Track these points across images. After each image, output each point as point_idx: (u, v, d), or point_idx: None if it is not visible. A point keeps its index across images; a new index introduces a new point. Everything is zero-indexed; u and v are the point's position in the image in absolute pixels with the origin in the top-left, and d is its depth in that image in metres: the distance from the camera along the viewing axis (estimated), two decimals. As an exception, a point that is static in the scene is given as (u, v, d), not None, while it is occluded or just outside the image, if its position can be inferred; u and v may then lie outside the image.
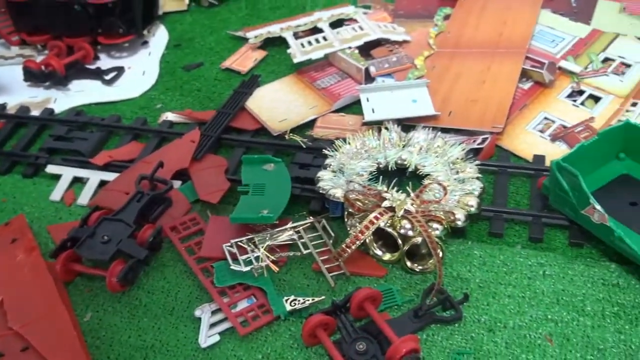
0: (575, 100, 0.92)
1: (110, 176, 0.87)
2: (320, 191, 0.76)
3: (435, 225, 0.70)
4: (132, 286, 0.73)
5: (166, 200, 0.82)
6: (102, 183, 0.87)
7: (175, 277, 0.74)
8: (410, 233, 0.69)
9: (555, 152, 0.84)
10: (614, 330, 0.64)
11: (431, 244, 0.67)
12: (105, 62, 1.13)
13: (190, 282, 0.73)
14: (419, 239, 0.70)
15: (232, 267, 0.71)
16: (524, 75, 0.96)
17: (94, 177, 0.88)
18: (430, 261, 0.71)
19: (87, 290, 0.74)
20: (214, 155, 0.89)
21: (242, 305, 0.70)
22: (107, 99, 1.05)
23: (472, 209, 0.72)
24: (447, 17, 1.11)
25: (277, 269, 0.72)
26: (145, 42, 1.17)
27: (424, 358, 0.63)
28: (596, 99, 0.91)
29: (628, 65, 0.96)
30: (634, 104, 0.89)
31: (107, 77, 1.09)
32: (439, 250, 0.68)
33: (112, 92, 1.06)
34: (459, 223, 0.71)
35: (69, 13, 1.10)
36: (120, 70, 1.10)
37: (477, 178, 0.76)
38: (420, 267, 0.71)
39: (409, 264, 0.71)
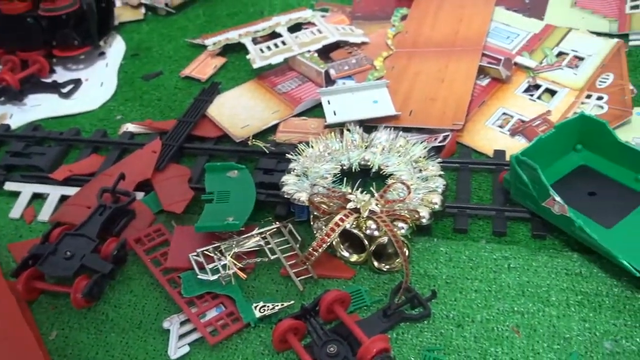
0: (532, 95, 0.94)
1: (71, 191, 0.86)
2: (285, 196, 0.76)
3: (400, 224, 0.71)
4: (98, 301, 0.72)
5: (129, 213, 0.81)
6: (63, 198, 0.85)
7: (141, 290, 0.73)
8: (376, 233, 0.70)
9: (515, 146, 0.85)
10: (578, 319, 0.65)
11: (397, 243, 0.67)
12: (61, 74, 1.11)
13: (157, 294, 0.73)
14: (385, 239, 0.70)
15: (199, 276, 0.71)
16: (482, 72, 0.98)
17: (54, 193, 0.86)
18: (397, 260, 0.71)
19: (52, 307, 0.72)
20: (177, 164, 0.88)
21: (211, 314, 0.69)
22: (65, 112, 1.03)
23: (436, 207, 0.73)
24: (404, 18, 1.12)
25: (245, 276, 0.72)
26: (102, 53, 1.15)
27: (394, 357, 0.64)
28: (552, 93, 0.93)
29: (581, 59, 0.98)
30: (589, 96, 0.91)
31: (64, 90, 1.07)
32: (405, 249, 0.69)
33: (70, 105, 1.05)
34: (424, 221, 0.71)
35: (21, 26, 1.08)
36: (77, 82, 1.08)
37: (440, 175, 0.77)
38: (387, 267, 0.72)
39: (376, 264, 0.72)
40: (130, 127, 0.97)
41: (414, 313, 0.67)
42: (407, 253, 0.69)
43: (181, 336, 0.68)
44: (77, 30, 1.09)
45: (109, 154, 0.91)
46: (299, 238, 0.75)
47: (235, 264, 0.72)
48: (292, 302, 0.69)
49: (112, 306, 0.72)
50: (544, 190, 0.69)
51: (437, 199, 0.73)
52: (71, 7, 1.07)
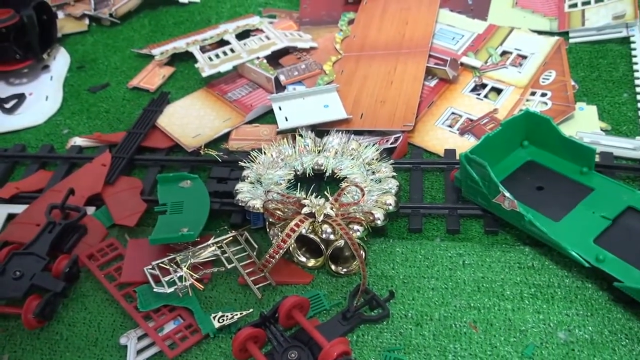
0: (479, 94, 0.95)
1: (18, 209, 0.83)
2: (240, 204, 0.75)
3: (355, 227, 0.71)
4: (51, 321, 0.70)
5: (80, 228, 0.79)
6: (10, 217, 0.83)
7: (96, 307, 0.72)
8: (332, 237, 0.70)
9: (465, 145, 0.87)
10: (532, 311, 0.66)
11: (353, 245, 0.67)
12: (3, 89, 1.08)
13: (112, 309, 0.71)
14: (341, 242, 0.70)
15: (155, 289, 0.70)
16: (429, 73, 0.99)
17: (0, 211, 0.83)
18: (355, 263, 0.72)
19: (2, 330, 0.70)
20: (128, 177, 0.87)
21: (169, 327, 0.68)
22: (9, 128, 1.00)
23: (391, 208, 0.73)
24: (351, 22, 1.13)
25: (202, 287, 0.71)
26: (46, 66, 1.13)
27: (355, 359, 0.64)
28: (498, 91, 0.95)
29: (524, 57, 1.00)
30: (533, 93, 0.93)
31: (7, 106, 1.04)
32: (361, 251, 0.69)
33: (13, 120, 1.02)
34: (379, 222, 0.72)
35: (-41, 42, 1.04)
36: (20, 97, 1.05)
37: (393, 177, 0.78)
38: (345, 270, 0.72)
39: (333, 267, 0.72)
40: (78, 140, 0.95)
41: (373, 314, 0.67)
42: (363, 255, 0.70)
43: (139, 351, 0.66)
44: (17, 43, 1.06)
45: (57, 169, 0.89)
46: (256, 246, 0.75)
47: (191, 275, 0.71)
48: (251, 310, 0.69)
49: (67, 325, 0.70)
50: (494, 187, 0.70)
51: (391, 200, 0.74)
52: (10, 20, 1.04)
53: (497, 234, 0.75)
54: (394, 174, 0.78)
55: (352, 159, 0.81)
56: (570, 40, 1.03)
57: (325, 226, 0.70)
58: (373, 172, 0.79)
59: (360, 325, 0.67)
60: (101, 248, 0.77)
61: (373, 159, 0.81)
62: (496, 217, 0.74)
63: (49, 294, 0.69)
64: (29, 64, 1.10)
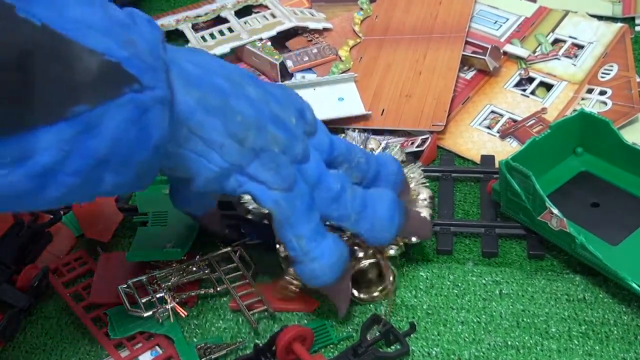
0: (524, 90, 0.95)
1: (-29, 211, 0.84)
2: (250, 216, 0.75)
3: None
4: (7, 345, 0.71)
5: (45, 235, 0.79)
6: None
7: (60, 331, 0.72)
8: (360, 255, 0.70)
9: (506, 150, 0.86)
10: (582, 353, 0.66)
11: (384, 267, 0.67)
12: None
13: (79, 335, 0.71)
14: (365, 263, 0.70)
15: (130, 312, 0.70)
16: (465, 63, 0.99)
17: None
18: (379, 288, 0.71)
19: (-53, 356, 0.71)
20: (102, 177, 0.87)
21: (145, 358, 0.68)
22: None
23: None
24: (373, -1, 1.13)
25: (185, 313, 0.71)
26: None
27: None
28: (548, 87, 0.95)
29: (580, 47, 1.00)
30: (590, 91, 0.93)
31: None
32: (390, 276, 0.69)
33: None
34: (414, 239, 0.72)
35: None
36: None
37: (424, 184, 0.78)
38: (367, 296, 0.72)
39: (355, 293, 0.71)
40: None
41: (389, 351, 0.67)
42: (391, 279, 0.70)
43: (108, 387, 0.67)
44: None
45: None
46: (252, 264, 0.75)
47: (174, 297, 0.71)
48: (243, 341, 0.69)
49: (23, 352, 0.70)
50: (540, 202, 0.70)
51: (425, 212, 0.74)
52: None
53: (542, 259, 0.74)
54: (425, 181, 0.78)
55: None
56: (637, 28, 1.03)
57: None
58: None
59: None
60: (68, 261, 0.77)
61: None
62: (542, 238, 0.74)
63: (12, 311, 0.70)
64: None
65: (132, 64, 0.48)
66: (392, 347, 0.68)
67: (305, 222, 0.62)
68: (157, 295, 0.71)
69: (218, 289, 0.73)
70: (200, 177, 0.58)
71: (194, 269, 0.75)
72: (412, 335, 0.68)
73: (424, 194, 0.77)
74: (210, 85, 0.57)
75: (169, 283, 0.72)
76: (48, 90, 0.44)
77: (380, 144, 0.83)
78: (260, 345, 0.65)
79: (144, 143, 0.51)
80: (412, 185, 0.78)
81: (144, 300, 0.71)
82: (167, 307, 0.70)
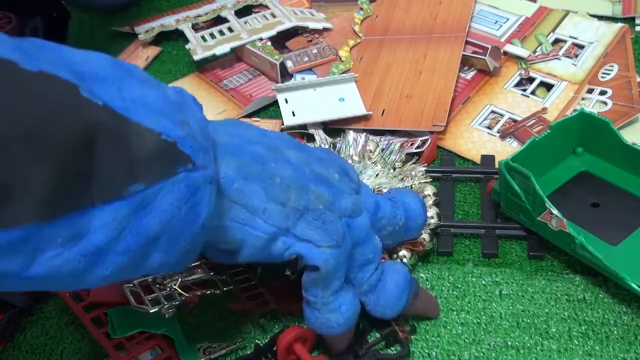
0: (524, 90, 0.95)
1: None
2: None
3: (402, 252, 0.72)
4: (7, 345, 0.71)
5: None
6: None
7: (59, 331, 0.72)
8: None
9: (506, 150, 0.86)
10: (582, 353, 0.66)
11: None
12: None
13: (78, 335, 0.72)
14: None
15: (135, 307, 0.69)
16: (466, 63, 0.99)
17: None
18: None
19: (-53, 356, 0.71)
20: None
21: (145, 358, 0.68)
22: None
23: (433, 221, 0.74)
24: (373, -1, 1.13)
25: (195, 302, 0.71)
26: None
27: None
28: (548, 87, 0.95)
29: (581, 47, 1.00)
30: (590, 91, 0.93)
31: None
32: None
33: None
34: (426, 244, 0.73)
35: None
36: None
37: (427, 183, 0.79)
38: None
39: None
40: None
41: (390, 353, 0.67)
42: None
43: (108, 387, 0.67)
44: None
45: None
46: (259, 267, 0.75)
47: (180, 294, 0.70)
48: (243, 341, 0.69)
49: (23, 352, 0.71)
50: (539, 202, 0.70)
51: (432, 211, 0.74)
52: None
53: (542, 260, 0.74)
54: (428, 179, 0.79)
55: (374, 163, 0.81)
56: (637, 28, 1.03)
57: None
58: (402, 179, 0.79)
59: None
60: (67, 262, 0.77)
61: (398, 162, 0.80)
62: (542, 238, 0.74)
63: (13, 310, 0.70)
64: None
65: (186, 143, 0.49)
66: (393, 349, 0.68)
67: (339, 278, 0.61)
68: (164, 292, 0.71)
69: (224, 289, 0.73)
70: (247, 246, 0.58)
71: (199, 270, 0.74)
72: (412, 337, 0.68)
73: (428, 190, 0.77)
74: (247, 153, 0.57)
75: (178, 282, 0.72)
76: (107, 169, 0.45)
77: (378, 145, 0.83)
78: (261, 345, 0.66)
79: (193, 221, 0.51)
80: (415, 183, 0.78)
81: (150, 297, 0.70)
82: (174, 303, 0.69)
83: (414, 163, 0.81)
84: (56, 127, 0.42)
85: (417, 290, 0.67)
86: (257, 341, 0.68)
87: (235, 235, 0.57)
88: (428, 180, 0.79)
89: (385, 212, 0.65)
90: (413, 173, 0.79)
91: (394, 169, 0.80)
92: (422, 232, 0.73)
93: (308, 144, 0.84)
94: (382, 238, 0.65)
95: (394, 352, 0.67)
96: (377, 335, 0.67)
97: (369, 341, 0.67)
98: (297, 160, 0.59)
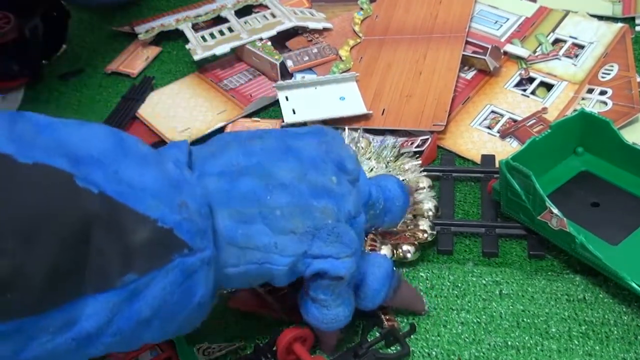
0: (525, 90, 0.95)
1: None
2: None
3: (405, 247, 0.72)
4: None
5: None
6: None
7: (59, 332, 0.72)
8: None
9: (506, 150, 0.86)
10: (583, 353, 0.66)
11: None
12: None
13: (78, 336, 0.71)
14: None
15: None
16: (466, 63, 0.99)
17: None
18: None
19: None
20: (102, 177, 0.87)
21: (145, 358, 0.68)
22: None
23: (431, 212, 0.75)
24: (373, -1, 1.13)
25: None
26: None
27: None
28: (548, 87, 0.95)
29: (581, 47, 1.00)
30: (590, 91, 0.93)
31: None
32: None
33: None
34: (427, 236, 0.73)
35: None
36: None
37: (421, 175, 0.79)
38: None
39: None
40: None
41: (390, 352, 0.67)
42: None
43: (108, 387, 0.67)
44: (14, 58, 1.02)
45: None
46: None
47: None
48: (242, 343, 0.69)
49: (23, 352, 0.70)
50: (540, 202, 0.70)
51: (430, 203, 0.74)
52: (6, 36, 0.98)
53: (542, 259, 0.74)
54: (423, 172, 0.79)
55: (368, 159, 0.81)
56: (637, 28, 1.03)
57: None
58: (397, 174, 0.79)
59: (374, 363, 0.67)
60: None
61: (391, 157, 0.80)
62: (542, 238, 0.74)
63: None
64: (22, 82, 1.04)
65: (183, 229, 0.48)
66: (392, 348, 0.68)
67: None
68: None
69: (224, 291, 0.73)
70: (274, 278, 0.58)
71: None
72: (412, 336, 0.68)
73: (424, 183, 0.77)
74: (239, 196, 0.55)
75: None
76: (101, 260, 0.45)
77: (371, 143, 0.83)
78: (261, 345, 0.66)
79: (188, 302, 0.51)
80: (410, 177, 0.78)
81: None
82: None
83: (407, 157, 0.81)
84: (53, 222, 0.43)
85: (398, 284, 0.67)
86: (257, 341, 0.68)
87: (259, 273, 0.57)
88: (423, 173, 0.79)
89: (374, 198, 0.65)
90: (407, 167, 0.79)
91: (388, 163, 0.80)
92: (421, 223, 0.73)
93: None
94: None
95: (394, 351, 0.67)
96: (377, 334, 0.67)
97: (369, 340, 0.67)
98: (291, 178, 0.56)
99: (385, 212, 0.66)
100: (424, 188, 0.77)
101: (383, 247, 0.73)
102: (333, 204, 0.57)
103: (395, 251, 0.73)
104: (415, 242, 0.73)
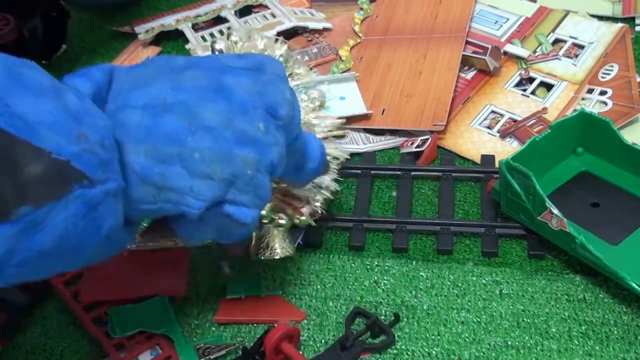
0: (525, 90, 0.95)
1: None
2: None
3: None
4: (6, 344, 0.71)
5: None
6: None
7: (59, 331, 0.72)
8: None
9: (506, 150, 0.86)
10: (583, 353, 0.66)
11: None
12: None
13: (78, 335, 0.71)
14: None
15: None
16: (466, 63, 0.99)
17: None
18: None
19: (-53, 356, 0.71)
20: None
21: (145, 358, 0.68)
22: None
23: (320, 203, 0.74)
24: (373, -1, 1.13)
25: None
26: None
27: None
28: (548, 87, 0.95)
29: (581, 47, 1.00)
30: (590, 91, 0.93)
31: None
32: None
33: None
34: (303, 218, 0.73)
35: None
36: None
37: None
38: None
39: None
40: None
41: (375, 342, 0.68)
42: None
43: (108, 387, 0.67)
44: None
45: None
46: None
47: None
48: (242, 341, 0.69)
49: (24, 352, 0.70)
50: (540, 202, 0.70)
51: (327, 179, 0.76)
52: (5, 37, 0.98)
53: (542, 259, 0.74)
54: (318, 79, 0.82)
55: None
56: (637, 28, 1.03)
57: None
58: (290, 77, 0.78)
59: (361, 355, 0.67)
60: (67, 261, 0.77)
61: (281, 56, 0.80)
62: (542, 238, 0.74)
63: (12, 309, 0.70)
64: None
65: (82, 160, 0.47)
66: (378, 339, 0.68)
67: None
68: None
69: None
70: (187, 219, 0.56)
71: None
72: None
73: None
74: (160, 134, 0.53)
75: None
76: None
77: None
78: (248, 347, 0.66)
79: (95, 234, 0.50)
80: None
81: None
82: None
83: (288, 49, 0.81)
84: None
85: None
86: (245, 343, 0.68)
87: (174, 212, 0.55)
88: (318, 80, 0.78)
89: (296, 142, 0.63)
90: (297, 70, 0.81)
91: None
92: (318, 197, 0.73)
93: None
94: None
95: (380, 341, 0.68)
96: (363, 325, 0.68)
97: (354, 332, 0.67)
98: (216, 122, 0.54)
99: (298, 166, 0.65)
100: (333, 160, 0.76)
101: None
102: (256, 153, 0.55)
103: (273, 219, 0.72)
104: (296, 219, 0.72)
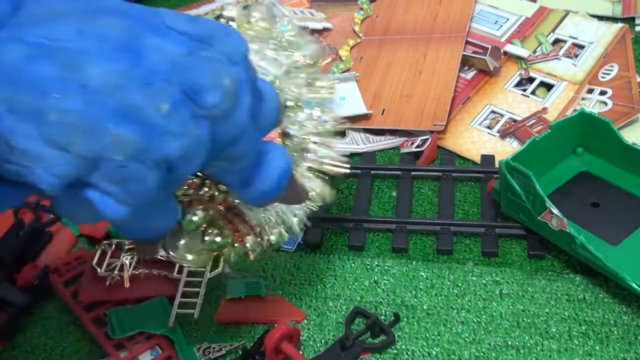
0: (525, 90, 0.95)
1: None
2: None
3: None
4: (6, 344, 0.71)
5: (45, 235, 0.79)
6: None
7: (59, 331, 0.72)
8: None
9: (506, 150, 0.86)
10: (583, 353, 0.66)
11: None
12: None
13: (78, 335, 0.71)
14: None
15: None
16: (466, 63, 0.99)
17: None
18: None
19: (-53, 355, 0.71)
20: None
21: (145, 358, 0.68)
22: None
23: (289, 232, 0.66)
24: (373, -1, 1.13)
25: None
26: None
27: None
28: (548, 87, 0.95)
29: (581, 47, 1.00)
30: (590, 91, 0.93)
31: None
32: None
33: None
34: (249, 248, 0.63)
35: None
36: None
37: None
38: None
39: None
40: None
41: (375, 342, 0.68)
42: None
43: (108, 387, 0.67)
44: None
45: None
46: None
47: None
48: (243, 342, 0.69)
49: (23, 352, 0.70)
50: (540, 202, 0.70)
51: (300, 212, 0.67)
52: None
53: (542, 259, 0.74)
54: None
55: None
56: (637, 28, 1.03)
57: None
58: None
59: (361, 356, 0.67)
60: (68, 261, 0.77)
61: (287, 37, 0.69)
62: (542, 238, 0.74)
63: (13, 309, 0.70)
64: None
65: None
66: (378, 339, 0.68)
67: None
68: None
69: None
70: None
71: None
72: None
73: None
74: (28, 79, 0.41)
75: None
76: None
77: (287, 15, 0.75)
78: (248, 348, 0.66)
79: None
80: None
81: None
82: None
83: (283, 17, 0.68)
84: None
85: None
86: (245, 344, 0.68)
87: (29, 180, 0.44)
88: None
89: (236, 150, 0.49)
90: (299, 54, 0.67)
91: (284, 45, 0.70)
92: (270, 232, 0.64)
93: None
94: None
95: (380, 341, 0.68)
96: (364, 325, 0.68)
97: (355, 332, 0.67)
98: (101, 84, 0.41)
99: (246, 181, 0.52)
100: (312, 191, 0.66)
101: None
102: (139, 136, 0.42)
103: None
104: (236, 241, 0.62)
